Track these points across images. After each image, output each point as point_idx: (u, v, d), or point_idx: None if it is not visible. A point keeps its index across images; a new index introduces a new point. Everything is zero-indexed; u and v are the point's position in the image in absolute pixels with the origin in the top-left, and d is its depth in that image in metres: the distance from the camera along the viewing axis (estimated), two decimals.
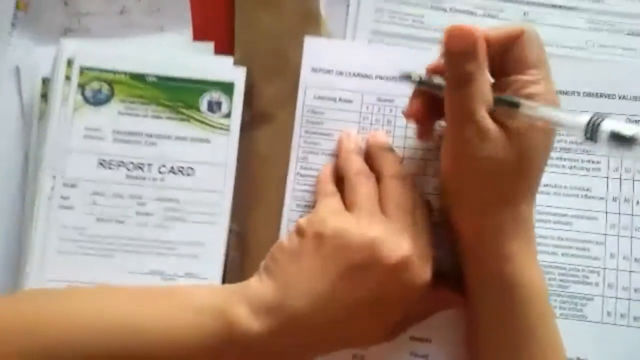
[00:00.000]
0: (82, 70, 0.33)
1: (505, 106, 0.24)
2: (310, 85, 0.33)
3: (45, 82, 0.35)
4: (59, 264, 0.31)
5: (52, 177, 0.32)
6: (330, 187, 0.31)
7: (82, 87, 0.33)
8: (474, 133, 0.24)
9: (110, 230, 0.32)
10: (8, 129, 0.35)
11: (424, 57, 0.32)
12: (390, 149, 0.31)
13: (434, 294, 0.28)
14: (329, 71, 0.33)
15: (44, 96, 0.34)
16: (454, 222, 0.28)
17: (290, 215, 0.32)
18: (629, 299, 0.31)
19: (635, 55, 0.33)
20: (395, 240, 0.26)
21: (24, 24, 0.36)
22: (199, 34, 0.37)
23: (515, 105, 0.24)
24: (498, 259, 0.26)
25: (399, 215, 0.27)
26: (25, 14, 0.36)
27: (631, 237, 0.31)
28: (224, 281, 0.32)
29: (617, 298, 0.31)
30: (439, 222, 0.30)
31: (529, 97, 0.25)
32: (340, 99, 0.33)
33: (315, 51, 0.33)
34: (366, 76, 0.33)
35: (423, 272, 0.27)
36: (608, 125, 0.17)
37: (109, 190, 0.32)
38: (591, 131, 0.18)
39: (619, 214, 0.31)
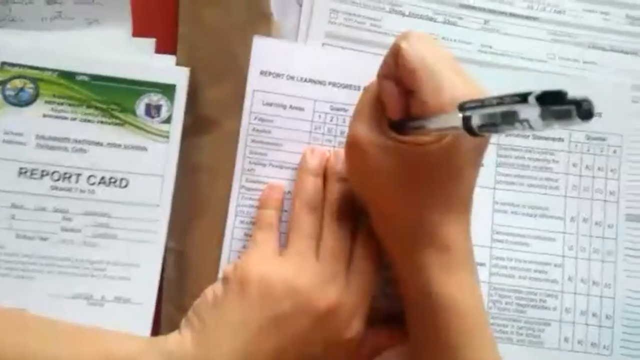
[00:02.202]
0: (3, 65, 0.32)
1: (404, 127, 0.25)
2: (258, 89, 0.32)
3: None
4: None
5: None
6: (269, 216, 0.31)
7: (2, 84, 0.31)
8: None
9: (30, 248, 0.30)
10: None
11: (380, 63, 0.31)
12: (344, 179, 0.30)
13: (373, 338, 0.28)
14: (278, 75, 0.32)
15: None
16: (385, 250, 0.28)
17: (234, 232, 0.31)
18: (586, 324, 0.31)
19: (595, 69, 0.33)
20: (323, 288, 0.27)
21: None
22: (139, 29, 0.35)
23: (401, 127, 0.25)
24: (417, 274, 0.26)
25: (332, 260, 0.28)
26: None
27: (589, 260, 0.32)
28: (158, 304, 0.30)
29: (574, 323, 0.31)
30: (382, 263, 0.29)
31: (424, 109, 0.24)
32: (290, 106, 0.32)
33: (264, 52, 0.32)
34: (319, 82, 0.32)
35: (353, 323, 0.27)
36: (476, 121, 0.19)
37: (30, 202, 0.31)
38: (468, 128, 0.19)
39: (577, 234, 0.32)
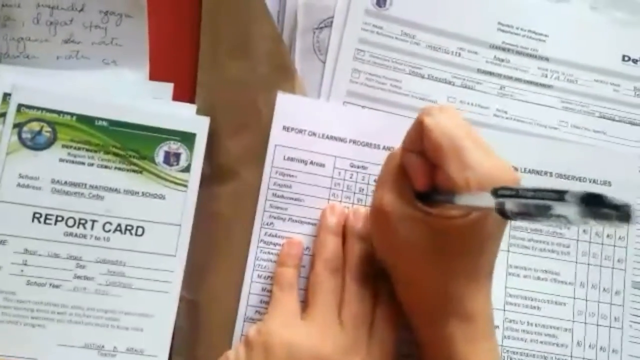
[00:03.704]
0: (20, 107, 0.38)
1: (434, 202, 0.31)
2: (280, 144, 0.39)
3: None
4: None
5: None
6: (290, 275, 0.36)
7: (18, 127, 0.37)
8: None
9: (42, 295, 0.36)
10: None
11: (400, 123, 0.39)
12: (364, 239, 0.36)
13: None
14: (300, 131, 0.39)
15: None
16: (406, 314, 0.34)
17: (252, 287, 0.37)
18: None
19: (605, 139, 0.42)
20: (347, 356, 0.32)
21: None
22: (156, 73, 0.42)
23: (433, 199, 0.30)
24: (443, 342, 0.31)
25: (355, 326, 0.33)
26: None
27: (597, 325, 0.39)
28: (170, 357, 0.36)
29: None
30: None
31: (450, 183, 0.29)
32: (311, 162, 0.39)
33: (287, 108, 0.39)
34: (340, 139, 0.40)
35: None
36: (510, 207, 0.24)
37: (44, 248, 0.36)
38: (502, 213, 0.24)
39: (586, 300, 0.40)
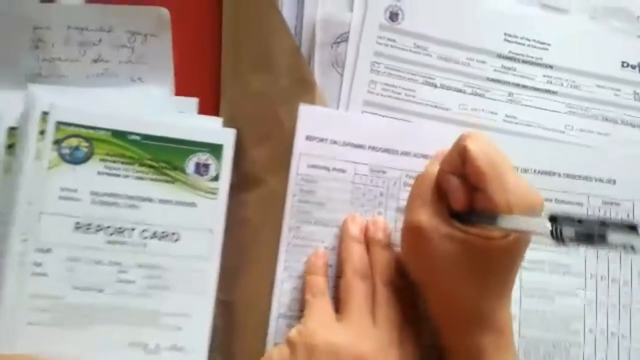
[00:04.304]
0: (59, 125, 0.43)
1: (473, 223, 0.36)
2: (304, 153, 0.45)
3: (12, 131, 0.44)
4: (29, 337, 0.40)
5: (23, 240, 0.41)
6: (320, 282, 0.42)
7: (58, 143, 0.43)
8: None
9: (88, 299, 0.41)
10: None
11: (415, 130, 0.46)
12: (387, 246, 0.42)
13: None
14: (322, 140, 0.45)
15: (11, 147, 0.44)
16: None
17: (283, 286, 0.43)
18: None
19: (608, 140, 0.48)
20: (384, 355, 0.37)
21: None
22: (182, 89, 0.48)
23: (469, 222, 0.35)
24: (473, 353, 0.37)
25: (388, 326, 0.39)
26: None
27: (607, 313, 0.46)
28: (209, 354, 0.42)
29: None
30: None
31: (491, 205, 0.34)
32: (333, 169, 0.45)
33: (309, 119, 0.45)
34: (359, 146, 0.46)
35: None
36: (569, 232, 0.28)
37: (87, 256, 0.42)
38: (556, 238, 0.29)
39: (596, 290, 0.46)
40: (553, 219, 0.29)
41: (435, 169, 0.38)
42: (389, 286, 0.40)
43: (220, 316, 0.42)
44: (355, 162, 0.44)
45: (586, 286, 0.45)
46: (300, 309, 0.43)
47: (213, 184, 0.43)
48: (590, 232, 0.27)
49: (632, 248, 0.25)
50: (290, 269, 0.43)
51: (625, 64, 0.48)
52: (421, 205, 0.37)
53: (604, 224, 0.27)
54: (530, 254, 0.43)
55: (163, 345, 0.41)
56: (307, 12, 0.46)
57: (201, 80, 0.47)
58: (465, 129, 0.37)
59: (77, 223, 0.42)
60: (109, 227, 0.42)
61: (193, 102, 0.47)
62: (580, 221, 0.28)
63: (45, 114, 0.42)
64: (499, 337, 0.37)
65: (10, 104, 0.44)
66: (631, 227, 0.25)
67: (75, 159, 0.42)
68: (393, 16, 0.46)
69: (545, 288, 0.44)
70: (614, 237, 0.26)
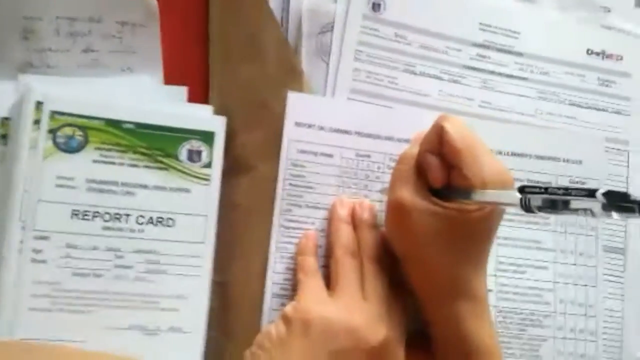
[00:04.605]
0: (53, 114, 0.44)
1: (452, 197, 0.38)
2: (293, 139, 0.47)
3: (5, 121, 0.45)
4: (31, 322, 0.41)
5: (21, 228, 0.42)
6: (311, 262, 0.44)
7: (53, 132, 0.44)
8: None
9: (87, 284, 0.42)
10: None
11: (398, 116, 0.48)
12: (373, 226, 0.44)
13: (408, 359, 0.41)
14: (310, 126, 0.47)
15: (3, 137, 0.44)
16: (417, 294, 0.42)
17: (276, 267, 0.45)
18: (575, 339, 0.48)
19: (574, 123, 0.52)
20: (375, 326, 0.40)
21: None
22: (171, 78, 0.49)
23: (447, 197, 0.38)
24: (451, 320, 0.40)
25: (377, 300, 0.41)
26: None
27: (575, 285, 0.49)
28: (207, 333, 0.44)
29: (565, 339, 0.48)
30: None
31: (466, 182, 0.36)
32: (321, 153, 0.47)
33: (297, 106, 0.47)
34: (345, 132, 0.48)
35: (398, 353, 0.41)
36: (536, 203, 0.31)
37: (85, 242, 0.43)
38: (526, 207, 0.32)
39: (566, 264, 0.49)
40: (521, 190, 0.32)
41: (415, 150, 0.40)
42: (377, 263, 0.42)
43: (217, 297, 0.44)
44: (342, 147, 0.46)
45: (556, 259, 0.48)
46: (292, 288, 0.45)
47: (206, 170, 0.45)
48: (555, 200, 0.30)
49: (592, 212, 0.28)
50: (282, 250, 0.45)
51: (590, 52, 0.52)
52: (403, 184, 0.40)
53: (567, 191, 0.29)
54: (504, 231, 0.46)
55: (163, 326, 0.43)
56: (293, 3, 0.47)
57: (190, 70, 0.48)
58: (443, 113, 0.39)
59: (74, 210, 0.43)
60: (105, 213, 0.43)
61: (182, 90, 0.48)
62: (546, 191, 0.31)
63: (39, 103, 0.43)
64: (475, 305, 0.39)
65: (2, 94, 0.44)
66: (590, 194, 0.28)
67: (70, 147, 0.43)
68: (375, 6, 0.48)
69: (518, 263, 0.48)
70: (575, 203, 0.29)
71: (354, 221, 0.45)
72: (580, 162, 0.49)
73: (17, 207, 0.41)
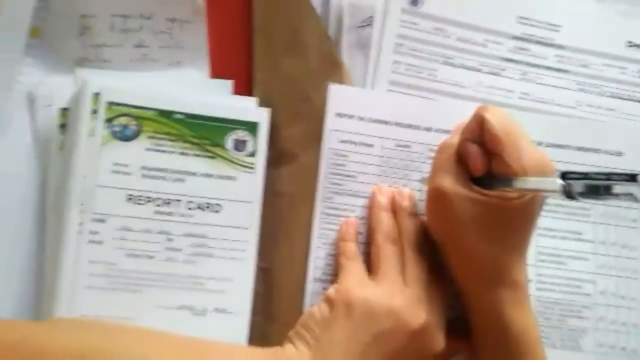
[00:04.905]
0: (109, 105, 0.47)
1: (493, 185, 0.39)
2: (334, 129, 0.48)
3: (64, 112, 0.47)
4: (88, 300, 0.43)
5: (80, 212, 0.45)
6: (352, 247, 0.45)
7: (109, 121, 0.46)
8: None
9: (139, 265, 0.44)
10: (21, 158, 0.47)
11: (436, 107, 0.49)
12: (413, 214, 0.45)
13: (447, 344, 0.42)
14: (351, 117, 0.49)
15: (63, 126, 0.47)
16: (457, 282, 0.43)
17: (318, 252, 0.47)
18: (617, 332, 0.48)
19: (615, 115, 0.52)
20: (415, 310, 0.41)
21: (37, 52, 0.49)
22: (217, 71, 0.51)
23: (490, 185, 0.39)
24: (492, 307, 0.40)
25: (417, 285, 0.42)
26: (38, 41, 0.49)
27: (617, 277, 0.49)
28: (251, 317, 0.45)
29: (607, 330, 0.48)
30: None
31: (507, 169, 0.37)
32: (361, 143, 0.48)
33: (339, 98, 0.48)
34: (385, 122, 0.49)
35: (438, 337, 0.41)
36: (577, 189, 0.31)
37: (138, 225, 0.45)
38: (567, 193, 0.32)
39: (607, 255, 0.49)
40: (562, 176, 0.33)
41: (456, 139, 0.41)
42: (417, 250, 0.43)
43: (261, 282, 0.45)
44: (382, 137, 0.48)
45: (597, 250, 0.48)
46: (334, 273, 0.46)
47: (251, 159, 0.47)
48: (596, 185, 0.30)
49: (633, 197, 0.29)
50: (324, 236, 0.46)
51: (630, 44, 0.52)
52: (444, 172, 0.40)
53: (608, 176, 0.30)
54: (544, 221, 0.47)
55: (209, 307, 0.44)
56: None
57: (235, 64, 0.50)
58: (483, 104, 0.40)
59: (129, 195, 0.45)
60: (157, 198, 0.45)
61: (228, 83, 0.50)
62: (587, 176, 0.31)
63: (97, 94, 0.45)
64: (515, 292, 0.40)
65: (61, 87, 0.47)
66: (632, 178, 0.28)
67: (125, 136, 0.46)
68: (414, 1, 0.49)
69: (558, 254, 0.48)
70: (617, 188, 0.29)
71: (394, 209, 0.46)
72: (620, 153, 0.49)
73: (76, 191, 0.44)
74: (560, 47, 0.51)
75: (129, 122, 0.45)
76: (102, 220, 0.44)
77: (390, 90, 0.49)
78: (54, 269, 0.43)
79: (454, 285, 0.43)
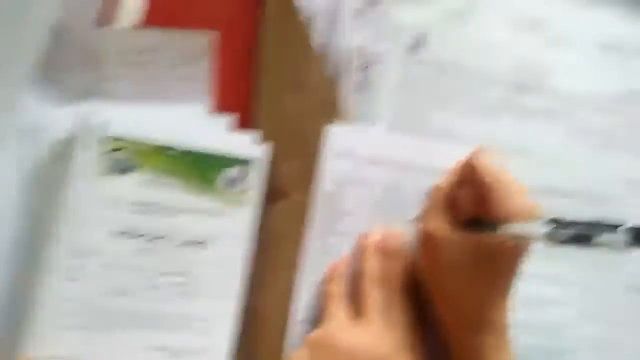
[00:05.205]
0: (107, 138, 0.46)
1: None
2: (329, 168, 0.48)
3: (61, 143, 0.46)
4: (62, 340, 0.42)
5: (62, 245, 0.43)
6: (337, 290, 0.45)
7: (106, 154, 0.46)
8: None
9: (118, 303, 0.43)
10: (10, 191, 0.46)
11: (432, 149, 0.49)
12: (402, 256, 0.45)
13: None
14: (347, 156, 0.48)
15: (59, 156, 0.46)
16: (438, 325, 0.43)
17: (303, 294, 0.46)
18: None
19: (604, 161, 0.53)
20: (399, 356, 0.41)
21: (40, 82, 0.47)
22: (219, 106, 0.50)
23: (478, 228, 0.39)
24: (474, 352, 0.41)
25: (402, 330, 0.42)
26: (43, 71, 0.48)
27: (597, 322, 0.50)
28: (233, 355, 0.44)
29: None
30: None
31: (495, 214, 0.38)
32: (356, 183, 0.48)
33: (336, 138, 0.48)
34: (381, 163, 0.49)
35: None
36: (562, 235, 0.33)
37: (120, 261, 0.44)
38: (551, 240, 0.33)
39: (587, 301, 0.50)
40: (547, 223, 0.34)
41: (447, 182, 0.42)
42: (402, 293, 0.44)
43: (244, 320, 0.45)
44: (377, 178, 0.48)
45: (577, 296, 0.49)
46: (318, 315, 0.46)
47: (242, 196, 0.47)
48: (580, 234, 0.31)
49: (617, 245, 0.30)
50: (313, 275, 0.46)
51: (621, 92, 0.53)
52: (434, 214, 0.41)
53: (591, 225, 0.31)
54: (525, 266, 0.47)
55: (187, 349, 0.44)
56: (337, 39, 0.49)
57: (237, 99, 0.50)
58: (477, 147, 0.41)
59: (114, 230, 0.44)
60: (146, 234, 0.45)
61: (229, 118, 0.49)
62: (570, 225, 0.32)
63: (97, 127, 0.45)
64: (498, 338, 0.41)
65: (63, 118, 0.46)
66: (615, 227, 0.30)
67: (120, 169, 0.45)
68: (416, 45, 0.50)
69: (539, 298, 0.49)
70: (599, 237, 0.30)
71: (383, 250, 0.46)
72: (608, 199, 0.51)
73: (60, 225, 0.43)
74: (553, 92, 0.51)
75: (126, 156, 0.45)
76: (83, 256, 0.43)
77: (389, 131, 0.49)
78: (29, 307, 0.42)
79: (438, 329, 0.43)
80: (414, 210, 0.48)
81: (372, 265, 0.45)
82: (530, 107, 0.52)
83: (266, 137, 0.47)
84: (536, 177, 0.50)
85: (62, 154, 0.45)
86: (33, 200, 0.45)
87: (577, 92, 0.52)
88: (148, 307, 0.44)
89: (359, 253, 0.46)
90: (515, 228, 0.37)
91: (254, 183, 0.47)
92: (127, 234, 0.44)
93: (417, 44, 0.50)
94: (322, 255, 0.46)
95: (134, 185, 0.45)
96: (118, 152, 0.45)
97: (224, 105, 0.49)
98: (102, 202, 0.44)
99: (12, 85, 0.46)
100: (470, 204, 0.40)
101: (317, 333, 0.42)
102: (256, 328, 0.46)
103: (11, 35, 0.45)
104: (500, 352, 0.41)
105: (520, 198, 0.39)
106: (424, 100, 0.50)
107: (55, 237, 0.43)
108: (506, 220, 0.38)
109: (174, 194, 0.45)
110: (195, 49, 0.48)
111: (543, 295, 0.49)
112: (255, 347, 0.45)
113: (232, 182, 0.47)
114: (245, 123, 0.49)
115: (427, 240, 0.41)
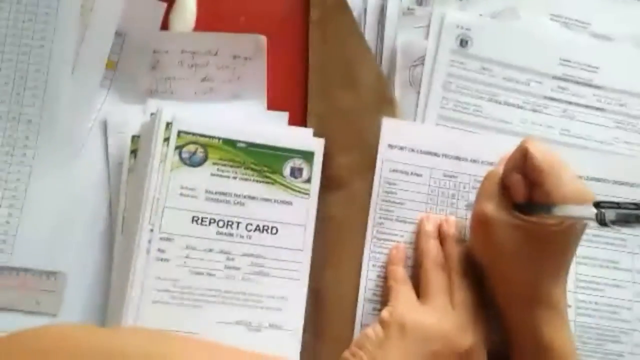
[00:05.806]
0: (180, 133, 0.50)
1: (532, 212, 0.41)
2: (386, 159, 0.51)
3: (134, 139, 0.51)
4: (153, 313, 0.45)
5: (149, 231, 0.48)
6: (402, 272, 0.47)
7: (179, 148, 0.50)
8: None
9: (201, 282, 0.47)
10: (93, 180, 0.51)
11: (482, 141, 0.52)
12: (459, 241, 0.47)
13: None
14: (402, 148, 0.52)
15: (134, 152, 0.51)
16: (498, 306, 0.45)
17: (369, 274, 0.49)
18: None
19: None
20: (463, 333, 0.43)
21: (112, 83, 0.53)
22: (274, 104, 0.55)
23: (529, 212, 0.41)
24: (532, 328, 0.42)
25: (464, 309, 0.44)
26: (113, 73, 0.54)
27: None
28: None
29: None
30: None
31: (547, 198, 0.39)
32: (411, 173, 0.51)
33: (391, 130, 0.51)
34: (434, 154, 0.52)
35: (482, 358, 0.44)
36: (610, 216, 0.33)
37: (201, 244, 0.49)
38: (600, 221, 0.34)
39: None
40: (597, 205, 0.35)
41: (500, 169, 0.44)
42: (462, 275, 0.46)
43: (310, 302, 0.48)
44: (430, 168, 0.51)
45: (634, 279, 0.50)
46: (383, 295, 0.48)
47: (306, 186, 0.50)
48: (628, 214, 0.32)
49: None
50: (374, 259, 0.49)
51: None
52: (488, 199, 0.43)
53: (639, 206, 0.32)
54: (584, 250, 0.49)
55: (265, 323, 0.47)
56: (388, 38, 0.53)
57: (291, 97, 0.54)
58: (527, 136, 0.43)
59: (194, 217, 0.48)
60: (220, 220, 0.48)
61: (284, 115, 0.53)
62: (619, 205, 0.33)
63: (169, 123, 0.49)
64: (554, 314, 0.42)
65: (132, 115, 0.51)
66: None
67: (193, 162, 0.49)
68: (463, 42, 0.53)
69: (596, 281, 0.50)
70: None
71: (441, 236, 0.48)
72: None
73: (147, 212, 0.47)
74: (598, 87, 0.54)
75: (197, 150, 0.49)
76: (169, 240, 0.47)
77: (439, 125, 0.52)
78: (123, 284, 0.46)
79: (496, 308, 0.45)
80: (468, 198, 0.50)
81: (432, 249, 0.47)
82: (578, 100, 0.53)
83: (321, 131, 0.51)
84: (585, 166, 0.51)
85: (137, 149, 0.49)
86: (109, 189, 0.49)
87: (622, 86, 0.54)
88: (227, 285, 0.47)
89: (420, 238, 0.49)
90: (567, 209, 0.38)
91: (316, 173, 0.50)
92: (205, 219, 0.48)
93: (464, 42, 0.53)
94: (382, 240, 0.49)
95: (207, 176, 0.49)
96: (190, 146, 0.49)
97: (278, 102, 0.53)
98: (180, 192, 0.48)
99: (89, 85, 0.50)
100: (523, 188, 0.42)
101: (388, 311, 0.44)
102: (322, 307, 0.48)
103: (79, 38, 0.50)
104: (557, 328, 0.42)
105: (573, 182, 0.40)
106: (472, 94, 0.52)
107: (147, 223, 0.47)
108: (559, 202, 0.39)
109: (244, 183, 0.49)
110: (251, 50, 0.52)
111: (600, 277, 0.49)
112: (323, 323, 0.48)
113: (296, 173, 0.50)
114: (299, 119, 0.52)
115: (481, 223, 0.43)
